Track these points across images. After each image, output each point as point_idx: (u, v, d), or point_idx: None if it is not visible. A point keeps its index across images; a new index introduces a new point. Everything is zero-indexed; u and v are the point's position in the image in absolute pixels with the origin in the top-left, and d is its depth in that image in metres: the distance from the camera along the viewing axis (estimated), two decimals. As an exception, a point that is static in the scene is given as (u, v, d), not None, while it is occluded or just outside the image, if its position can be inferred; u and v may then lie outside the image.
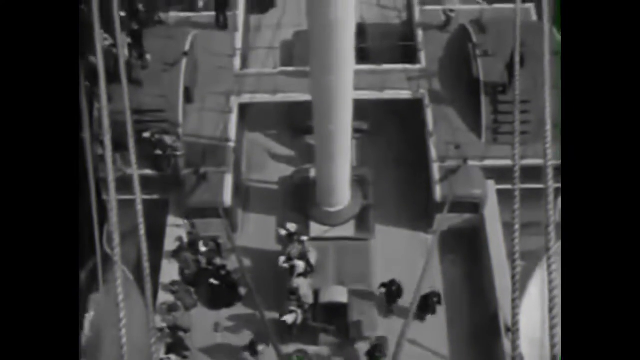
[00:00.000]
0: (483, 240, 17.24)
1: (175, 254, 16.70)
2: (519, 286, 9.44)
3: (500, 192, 17.27)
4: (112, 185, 9.50)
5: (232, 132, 18.12)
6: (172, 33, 19.20)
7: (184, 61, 18.38)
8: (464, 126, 18.12)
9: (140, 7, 18.81)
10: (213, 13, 20.25)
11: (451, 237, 17.69)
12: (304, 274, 16.18)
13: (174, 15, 20.07)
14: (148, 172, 17.16)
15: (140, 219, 9.65)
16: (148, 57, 18.22)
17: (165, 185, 17.61)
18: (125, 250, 9.98)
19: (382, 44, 20.29)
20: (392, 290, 16.02)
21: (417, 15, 20.50)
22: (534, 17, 19.46)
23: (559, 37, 18.13)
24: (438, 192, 17.23)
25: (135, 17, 18.66)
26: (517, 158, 10.22)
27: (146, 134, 16.99)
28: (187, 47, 18.70)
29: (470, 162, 17.41)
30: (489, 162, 17.45)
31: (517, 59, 11.83)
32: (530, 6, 19.50)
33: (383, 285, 16.10)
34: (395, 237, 17.90)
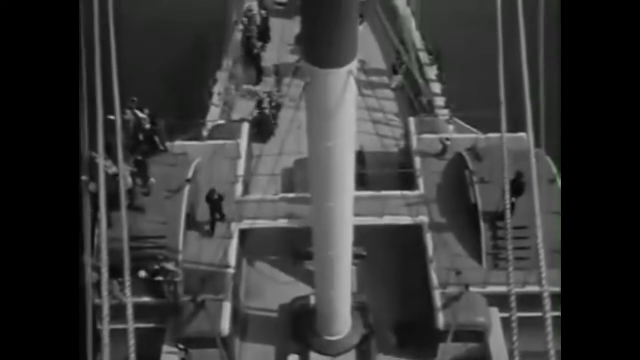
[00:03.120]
0: (489, 370, 16.67)
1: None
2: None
3: (504, 320, 16.92)
4: (106, 320, 9.33)
5: (232, 259, 18.06)
6: (176, 161, 19.68)
7: (187, 188, 18.70)
8: (464, 252, 18.09)
9: (141, 137, 19.42)
10: (218, 142, 20.91)
11: (456, 368, 17.14)
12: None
13: (179, 144, 20.63)
14: (146, 299, 16.90)
15: (132, 354, 9.40)
16: (152, 180, 18.55)
17: (163, 313, 17.30)
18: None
19: (381, 171, 20.72)
20: None
21: (415, 144, 21.13)
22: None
23: (551, 164, 18.73)
24: (440, 320, 16.85)
25: (139, 146, 19.23)
26: (513, 288, 10.09)
27: (144, 274, 16.92)
28: (190, 175, 19.09)
29: (472, 289, 17.20)
30: (491, 289, 17.24)
31: (507, 187, 12.02)
32: (523, 135, 20.06)
33: None
34: None
